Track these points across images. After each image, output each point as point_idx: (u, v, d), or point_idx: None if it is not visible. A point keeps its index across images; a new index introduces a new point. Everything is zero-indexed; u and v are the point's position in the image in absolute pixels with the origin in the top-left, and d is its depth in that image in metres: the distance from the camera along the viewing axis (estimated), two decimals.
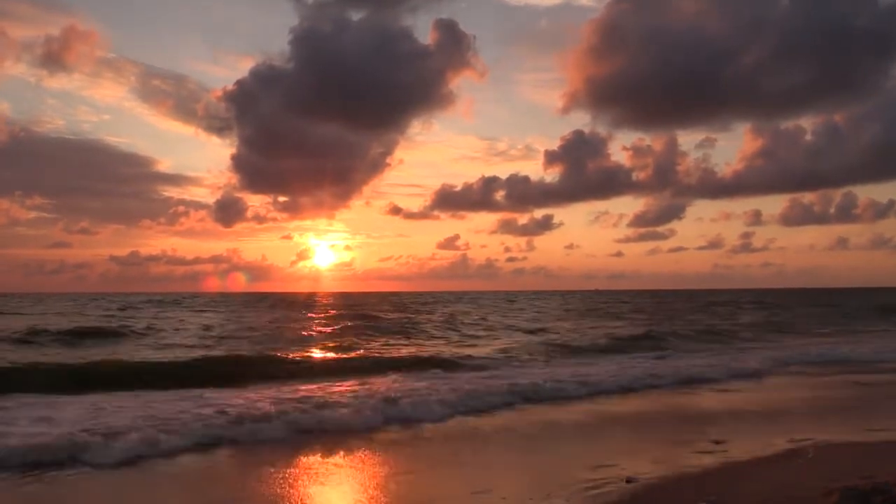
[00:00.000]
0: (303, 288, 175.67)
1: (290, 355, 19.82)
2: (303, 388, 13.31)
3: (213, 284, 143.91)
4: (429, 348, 22.73)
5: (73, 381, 13.96)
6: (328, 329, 30.55)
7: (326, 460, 8.52)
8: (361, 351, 21.98)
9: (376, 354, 20.76)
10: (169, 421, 9.65)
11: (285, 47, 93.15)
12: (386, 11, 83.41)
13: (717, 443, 9.11)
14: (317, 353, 21.29)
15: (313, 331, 29.97)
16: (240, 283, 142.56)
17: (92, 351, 20.49)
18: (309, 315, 44.73)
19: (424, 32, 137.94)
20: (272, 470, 7.91)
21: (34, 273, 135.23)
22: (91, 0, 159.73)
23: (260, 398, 11.70)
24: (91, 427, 9.15)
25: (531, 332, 30.46)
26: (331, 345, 23.91)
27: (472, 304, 66.85)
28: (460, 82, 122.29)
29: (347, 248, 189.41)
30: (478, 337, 28.14)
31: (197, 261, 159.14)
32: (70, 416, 10.10)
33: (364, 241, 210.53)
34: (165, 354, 19.56)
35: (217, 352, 20.49)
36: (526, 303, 70.16)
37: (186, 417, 9.94)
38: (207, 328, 30.08)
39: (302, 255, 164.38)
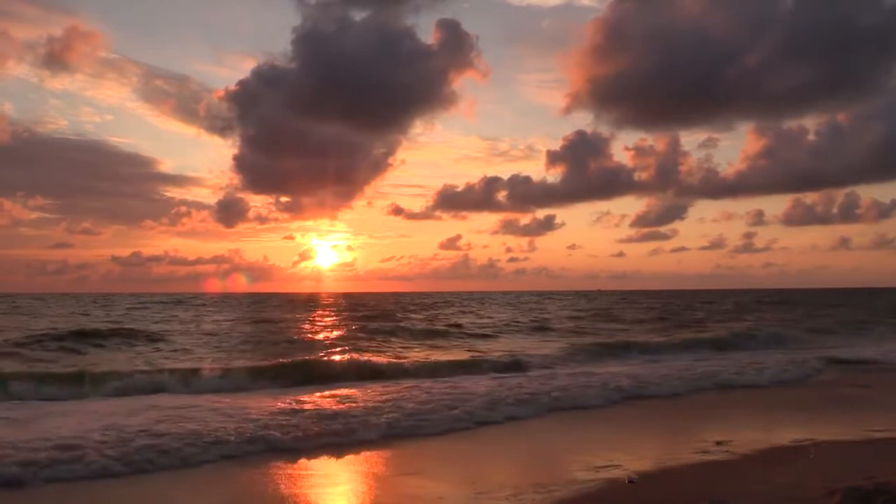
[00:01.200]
0: (304, 288, 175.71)
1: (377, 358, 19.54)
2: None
3: (215, 285, 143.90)
4: (495, 349, 22.66)
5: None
6: (357, 329, 29.85)
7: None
8: (416, 354, 21.54)
9: (445, 357, 20.09)
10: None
11: (288, 47, 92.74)
12: (388, 11, 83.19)
13: (720, 443, 9.12)
14: (388, 354, 21.08)
15: (356, 333, 28.72)
16: (241, 283, 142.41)
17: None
18: (335, 316, 43.77)
19: (427, 32, 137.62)
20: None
21: (36, 273, 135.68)
22: (93, 1, 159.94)
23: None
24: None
25: (572, 332, 30.60)
26: (391, 346, 23.66)
27: (487, 304, 66.49)
28: (463, 82, 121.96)
29: (349, 248, 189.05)
30: (527, 337, 28.19)
31: (199, 261, 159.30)
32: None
33: (366, 241, 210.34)
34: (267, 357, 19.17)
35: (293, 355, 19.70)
36: (535, 303, 69.63)
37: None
38: (256, 331, 29.32)
39: (304, 256, 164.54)
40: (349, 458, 8.77)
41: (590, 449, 9.13)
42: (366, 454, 8.94)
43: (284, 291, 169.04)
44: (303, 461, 8.55)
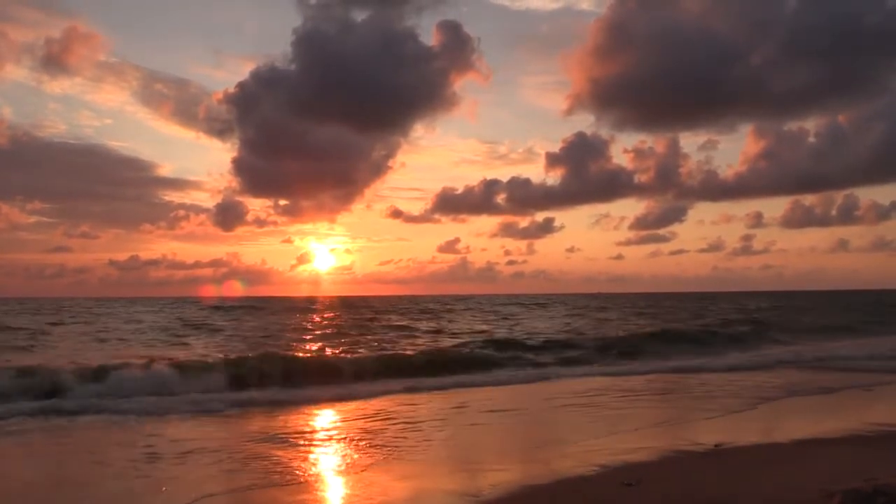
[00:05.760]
0: (302, 292, 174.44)
1: None
2: None
3: (213, 289, 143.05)
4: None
5: None
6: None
7: None
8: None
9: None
10: None
11: (288, 49, 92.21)
12: (390, 12, 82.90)
13: (718, 445, 9.05)
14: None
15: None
16: (238, 287, 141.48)
17: None
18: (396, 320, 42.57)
19: (428, 34, 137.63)
20: None
21: (35, 277, 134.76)
22: (93, 4, 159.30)
23: None
24: None
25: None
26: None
27: (507, 308, 65.45)
28: (463, 84, 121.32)
29: (347, 251, 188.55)
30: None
31: (197, 265, 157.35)
32: None
33: (365, 244, 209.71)
34: None
35: None
36: (552, 307, 68.46)
37: None
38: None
39: (302, 259, 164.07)
40: None
41: (587, 448, 9.02)
42: None
43: (282, 295, 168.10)
44: None
